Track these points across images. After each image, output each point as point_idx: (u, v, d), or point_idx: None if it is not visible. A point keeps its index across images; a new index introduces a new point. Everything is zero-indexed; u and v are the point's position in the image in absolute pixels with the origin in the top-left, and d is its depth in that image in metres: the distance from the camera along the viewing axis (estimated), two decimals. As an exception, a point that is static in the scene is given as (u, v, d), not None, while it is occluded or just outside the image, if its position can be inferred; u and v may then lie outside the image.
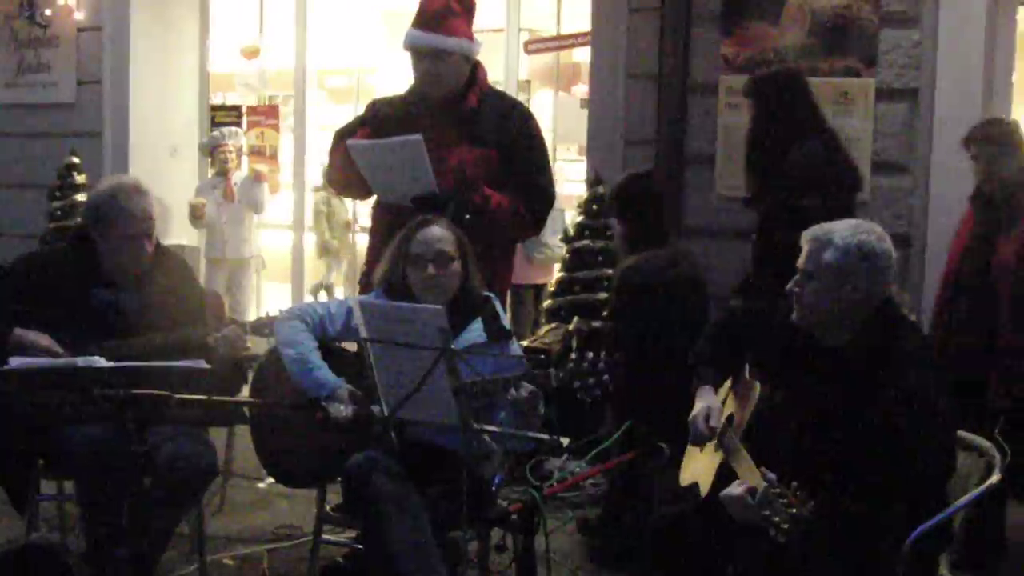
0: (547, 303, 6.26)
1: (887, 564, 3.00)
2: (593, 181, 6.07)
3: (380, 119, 4.23)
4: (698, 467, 3.45)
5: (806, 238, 3.15)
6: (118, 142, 7.85)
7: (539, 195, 4.27)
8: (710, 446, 3.36)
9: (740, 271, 5.99)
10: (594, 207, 6.03)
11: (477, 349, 3.48)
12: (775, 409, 3.19)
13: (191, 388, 3.27)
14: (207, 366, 3.41)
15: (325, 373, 3.61)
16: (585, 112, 7.07)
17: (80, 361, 3.43)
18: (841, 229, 3.11)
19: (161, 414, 3.09)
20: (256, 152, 7.97)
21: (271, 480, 5.44)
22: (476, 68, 4.26)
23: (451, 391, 2.93)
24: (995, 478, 3.20)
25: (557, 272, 6.19)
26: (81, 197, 7.44)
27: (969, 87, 5.71)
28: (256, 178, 7.58)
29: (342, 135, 4.34)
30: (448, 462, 3.59)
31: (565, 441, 2.83)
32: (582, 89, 8.83)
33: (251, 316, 7.63)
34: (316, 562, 3.87)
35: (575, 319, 5.95)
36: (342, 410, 3.37)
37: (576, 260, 6.05)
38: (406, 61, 4.28)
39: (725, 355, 3.49)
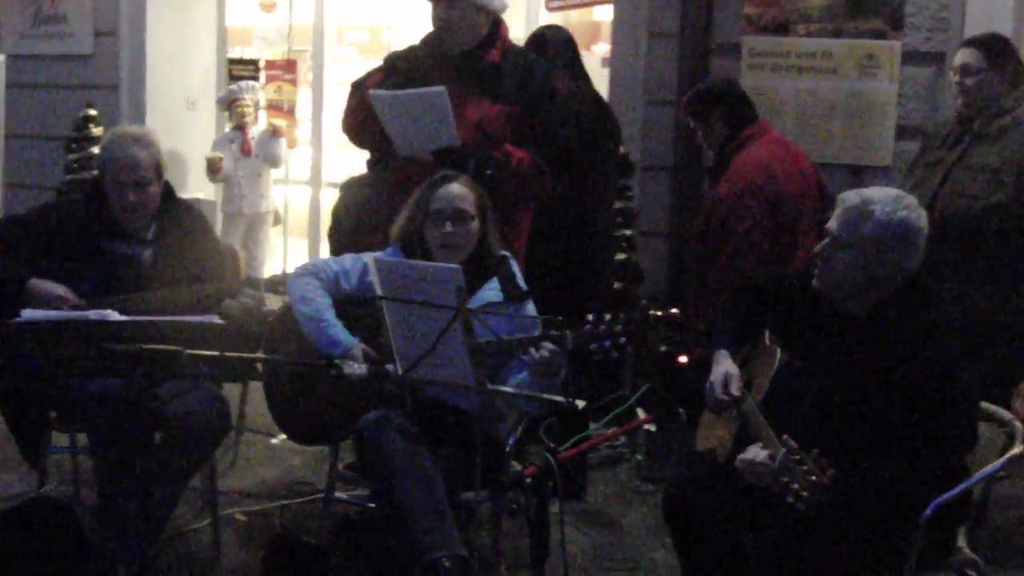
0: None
1: (905, 535, 2.97)
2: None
3: (398, 70, 4.17)
4: (715, 433, 3.41)
5: (842, 204, 3.08)
6: (135, 94, 7.79)
7: (560, 153, 4.21)
8: (727, 412, 3.32)
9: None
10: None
11: (493, 308, 3.45)
12: (795, 375, 3.14)
13: (205, 344, 3.23)
14: (221, 322, 3.38)
15: (339, 331, 3.58)
16: (605, 71, 6.99)
17: (92, 314, 3.41)
18: (882, 201, 3.03)
19: (172, 369, 3.05)
20: (274, 107, 7.90)
21: (284, 436, 5.47)
22: (499, 25, 4.20)
23: (467, 351, 2.89)
24: (1017, 449, 3.17)
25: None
26: (97, 149, 7.39)
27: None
28: (274, 133, 7.52)
29: (359, 85, 4.29)
30: (462, 422, 3.57)
31: (581, 404, 2.77)
32: (602, 48, 8.73)
33: (267, 271, 7.65)
34: (329, 519, 3.85)
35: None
36: (356, 368, 3.33)
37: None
38: (426, 17, 4.21)
39: (743, 320, 3.44)
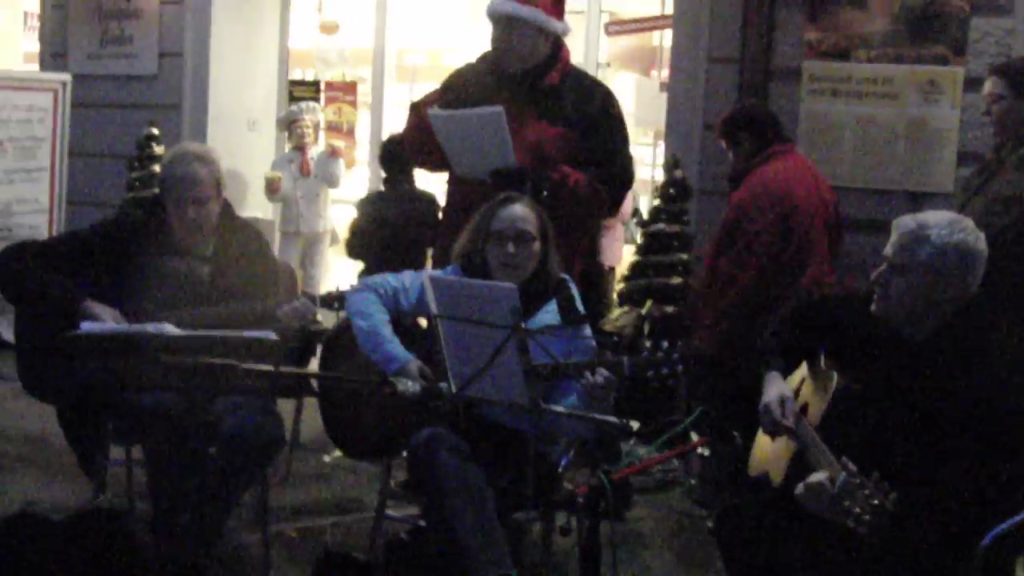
0: (620, 286, 6.18)
1: (963, 563, 2.92)
2: (671, 165, 5.97)
3: (455, 89, 4.19)
4: (768, 457, 3.37)
5: (898, 228, 3.05)
6: (197, 114, 7.89)
7: (618, 176, 4.21)
8: (781, 436, 3.28)
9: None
10: (671, 191, 5.93)
11: (548, 330, 3.44)
12: (853, 400, 3.10)
13: (260, 359, 3.26)
14: (275, 337, 3.40)
15: (396, 347, 3.59)
16: (663, 96, 6.99)
17: (151, 328, 3.45)
18: (938, 224, 3.00)
19: (228, 384, 3.08)
20: (333, 128, 7.98)
21: (337, 453, 5.50)
22: (560, 47, 4.21)
23: (521, 371, 2.88)
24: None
25: (632, 255, 6.10)
26: (159, 168, 7.49)
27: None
28: (332, 153, 7.59)
29: (419, 105, 4.32)
30: (514, 443, 3.56)
31: (635, 425, 2.76)
32: (662, 74, 8.73)
33: (324, 290, 7.69)
34: (379, 537, 3.85)
35: (648, 303, 5.88)
36: (410, 386, 3.35)
37: (651, 244, 5.96)
38: (485, 40, 4.24)
39: (796, 343, 3.40)
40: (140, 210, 5.94)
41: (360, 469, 5.31)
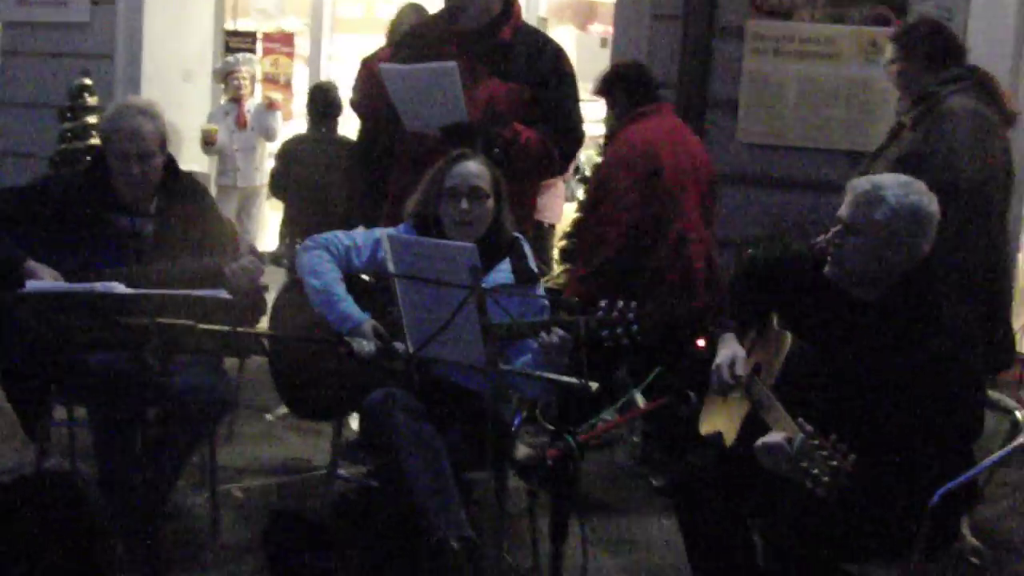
0: (562, 244, 6.19)
1: (912, 521, 2.98)
2: (615, 122, 5.95)
3: (407, 46, 4.14)
4: (720, 417, 3.40)
5: (853, 189, 3.08)
6: (130, 65, 7.70)
7: (569, 133, 4.20)
8: (733, 396, 3.31)
9: (760, 219, 5.97)
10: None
11: (505, 289, 3.43)
12: (807, 361, 3.13)
13: (211, 317, 3.21)
14: (228, 296, 3.36)
15: (350, 306, 3.56)
16: (604, 51, 6.97)
17: (99, 287, 3.38)
18: (892, 186, 3.04)
19: (182, 343, 3.03)
20: (270, 80, 7.86)
21: (280, 412, 5.48)
22: (512, 3, 4.17)
23: (480, 331, 2.87)
24: (1022, 438, 3.18)
25: (573, 212, 6.10)
26: (92, 119, 7.33)
27: (1001, 41, 5.63)
28: (270, 106, 7.47)
29: (369, 60, 4.26)
30: (468, 402, 3.56)
31: (594, 386, 2.77)
32: (598, 28, 8.71)
33: (260, 245, 7.60)
34: (328, 496, 3.84)
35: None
36: (366, 345, 3.32)
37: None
38: None
39: (749, 305, 3.43)
40: (79, 165, 5.82)
41: (304, 428, 5.29)
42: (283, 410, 5.51)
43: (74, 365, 3.68)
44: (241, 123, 7.42)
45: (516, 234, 3.72)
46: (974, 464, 3.10)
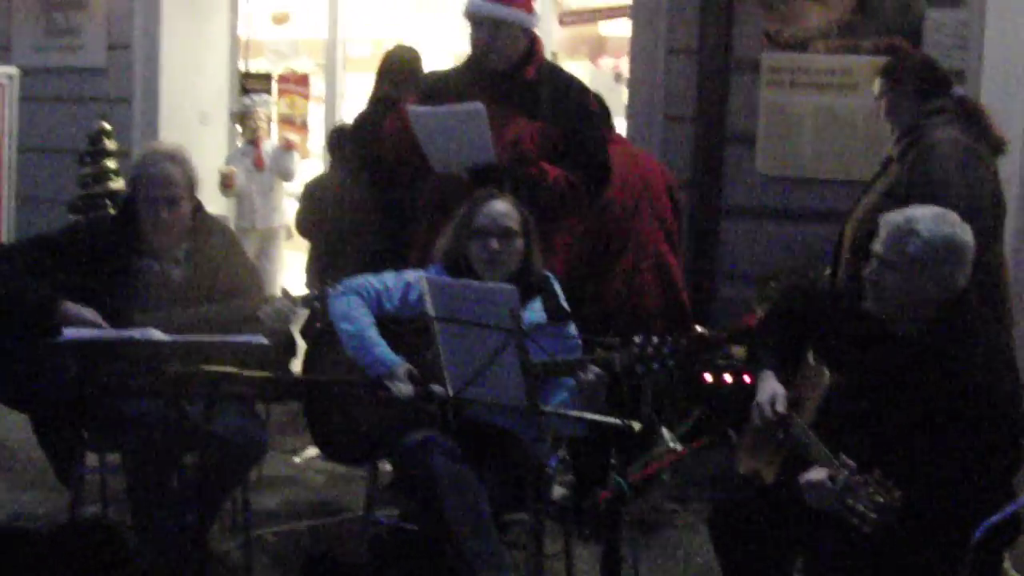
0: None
1: (955, 556, 2.97)
2: (633, 157, 5.97)
3: (435, 89, 4.17)
4: (759, 455, 3.40)
5: (887, 225, 3.09)
6: (148, 108, 7.75)
7: (596, 171, 4.21)
8: (772, 433, 3.30)
9: (779, 251, 5.98)
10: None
11: (541, 329, 3.44)
12: (845, 397, 3.14)
13: (245, 362, 3.22)
14: (266, 341, 3.36)
15: (384, 351, 3.56)
16: (618, 86, 7.01)
17: (137, 334, 3.39)
18: (925, 219, 3.05)
19: (226, 390, 3.04)
20: (286, 120, 7.90)
21: (307, 455, 5.48)
22: (534, 41, 4.20)
23: (521, 372, 2.88)
24: (1062, 471, 3.17)
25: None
26: (111, 163, 7.37)
27: (1015, 69, 5.65)
28: (287, 146, 7.48)
29: (397, 105, 4.29)
30: (502, 443, 3.56)
31: (637, 426, 2.77)
32: (608, 62, 8.73)
33: (277, 285, 7.61)
34: (361, 539, 3.82)
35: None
36: (404, 389, 3.32)
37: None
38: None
39: (787, 341, 3.43)
40: (102, 211, 5.84)
41: (332, 471, 5.28)
42: (310, 453, 5.52)
43: (108, 411, 3.69)
44: (259, 164, 7.43)
45: (546, 273, 3.73)
46: (1015, 497, 3.10)
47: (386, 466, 3.80)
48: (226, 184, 7.34)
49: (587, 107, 4.24)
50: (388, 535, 3.95)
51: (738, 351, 4.66)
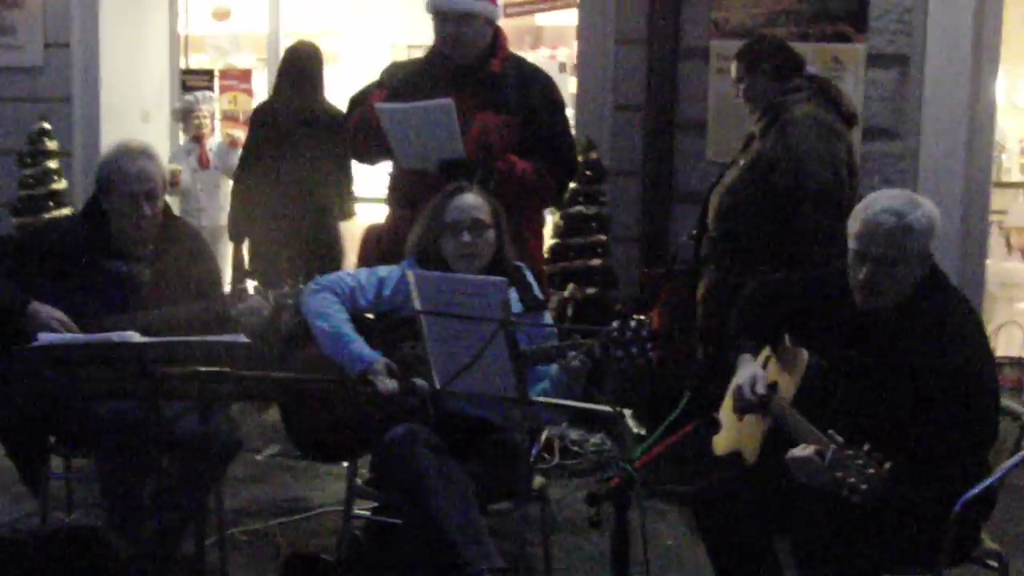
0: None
1: (935, 529, 3.04)
2: (586, 147, 6.00)
3: (398, 83, 4.16)
4: (736, 436, 3.44)
5: (876, 225, 3.08)
6: (88, 107, 7.59)
7: (564, 163, 4.23)
8: (751, 415, 3.35)
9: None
10: (587, 172, 5.98)
11: (519, 319, 3.45)
12: (826, 376, 3.19)
13: (232, 363, 3.20)
14: (247, 340, 3.34)
15: (361, 346, 3.55)
16: (563, 76, 7.04)
17: (115, 336, 3.34)
18: (907, 210, 3.07)
19: (220, 391, 3.02)
20: (229, 117, 7.81)
21: (269, 452, 5.45)
22: (498, 33, 4.21)
23: (510, 362, 2.89)
24: (1038, 443, 3.25)
25: (549, 238, 6.14)
26: (52, 164, 7.25)
27: (958, 53, 5.77)
28: (232, 144, 7.41)
29: (357, 100, 4.27)
30: (484, 433, 3.57)
31: (628, 412, 2.80)
32: (544, 52, 8.76)
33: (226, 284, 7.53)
34: (347, 536, 3.81)
35: (569, 286, 5.93)
36: (388, 384, 3.31)
37: (569, 226, 6.01)
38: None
39: (763, 324, 3.48)
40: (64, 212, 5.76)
41: (295, 468, 5.26)
42: (272, 450, 5.49)
43: (82, 415, 3.64)
44: (204, 162, 7.35)
45: (519, 263, 3.74)
46: (991, 471, 3.17)
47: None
48: (171, 183, 7.24)
49: (553, 99, 4.26)
50: (364, 530, 3.96)
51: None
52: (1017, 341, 6.26)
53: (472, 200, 3.69)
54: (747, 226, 4.56)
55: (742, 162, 4.67)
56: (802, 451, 2.92)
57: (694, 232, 4.94)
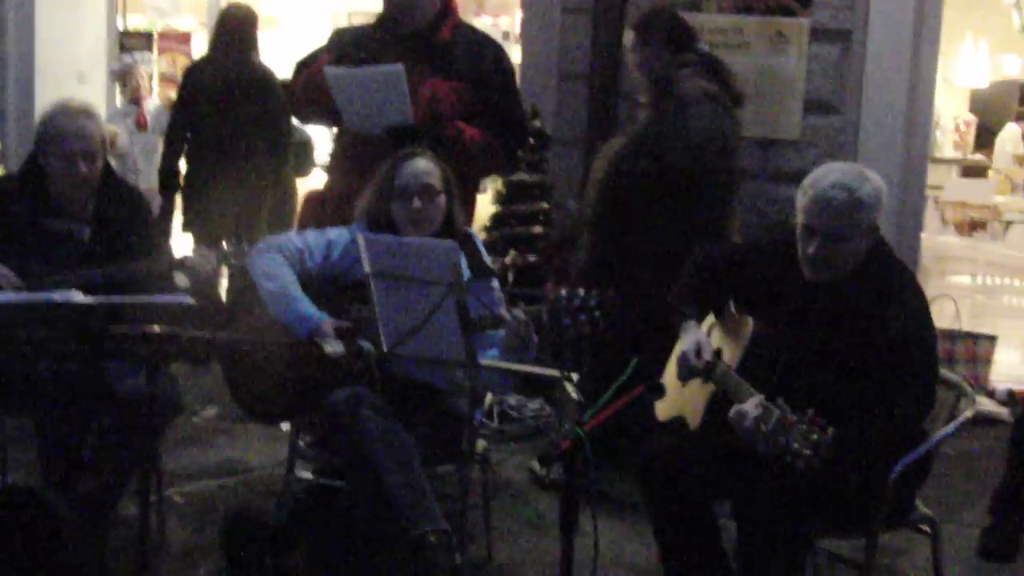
0: (482, 236, 6.21)
1: (871, 494, 3.10)
2: (530, 114, 5.99)
3: (346, 49, 4.13)
4: (679, 402, 3.47)
5: (827, 202, 3.08)
6: (23, 68, 7.45)
7: (514, 129, 4.23)
8: (693, 381, 3.38)
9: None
10: (530, 140, 5.97)
11: (470, 285, 3.45)
12: (766, 343, 3.22)
13: (177, 323, 3.17)
14: (192, 301, 3.31)
15: (308, 307, 3.54)
16: (508, 43, 7.02)
17: (57, 296, 3.30)
18: (857, 184, 3.08)
19: (167, 351, 2.99)
20: (167, 79, 7.71)
21: (206, 414, 5.41)
22: (449, 1, 4.18)
23: (459, 326, 2.89)
24: (969, 412, 3.32)
25: (492, 206, 6.14)
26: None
27: (899, 29, 5.84)
28: (169, 106, 7.32)
29: (304, 64, 4.24)
30: (429, 397, 3.57)
31: (575, 376, 2.82)
32: (486, 20, 8.75)
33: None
34: (290, 497, 3.81)
35: (511, 253, 5.92)
36: (336, 345, 3.30)
37: (512, 194, 6.01)
38: None
39: (707, 292, 3.51)
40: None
41: (232, 430, 5.24)
42: (210, 412, 5.45)
43: (19, 375, 3.59)
44: (142, 124, 7.27)
45: (468, 230, 3.74)
46: (928, 437, 3.24)
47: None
48: (108, 144, 7.13)
49: (503, 66, 4.25)
50: (306, 492, 3.94)
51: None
52: (949, 313, 6.36)
53: (424, 166, 3.68)
54: (634, 199, 4.53)
55: (629, 132, 4.70)
56: (749, 406, 2.93)
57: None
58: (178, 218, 6.46)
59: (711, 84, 4.53)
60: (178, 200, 6.40)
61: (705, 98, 4.46)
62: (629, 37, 4.74)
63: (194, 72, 6.31)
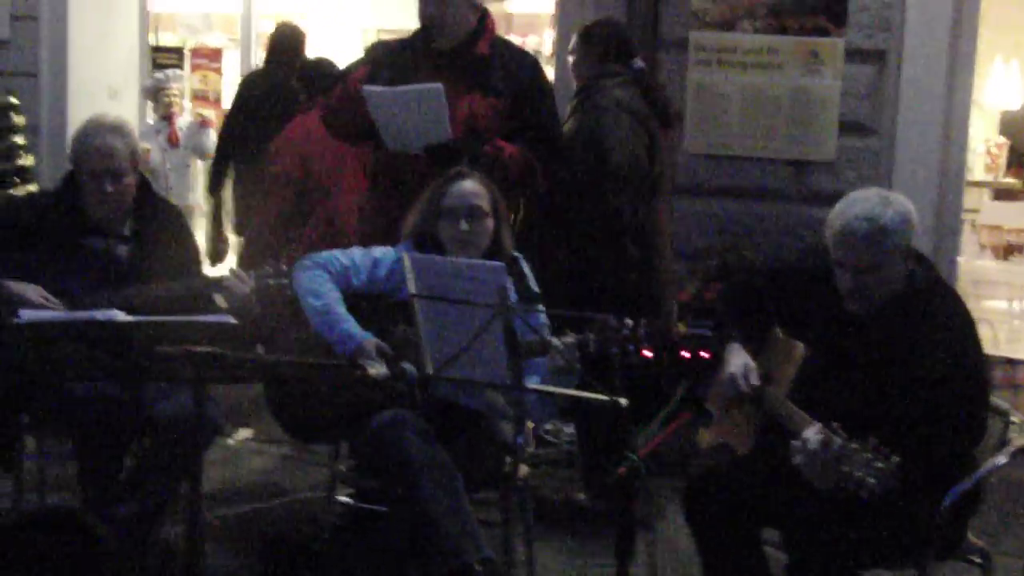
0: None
1: (924, 525, 3.04)
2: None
3: (383, 64, 4.11)
4: (727, 428, 3.43)
5: (851, 233, 3.05)
6: (56, 82, 7.48)
7: (551, 146, 4.20)
8: (740, 406, 3.34)
9: (707, 229, 6.06)
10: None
11: (525, 308, 3.42)
12: (818, 370, 3.18)
13: (219, 343, 3.14)
14: (234, 321, 3.28)
15: (352, 326, 3.51)
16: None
17: (99, 315, 3.28)
18: (880, 213, 3.04)
19: (211, 371, 2.96)
20: (199, 96, 7.72)
21: (240, 436, 5.39)
22: (485, 16, 4.16)
23: (505, 349, 2.85)
24: (1021, 441, 3.27)
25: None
26: (19, 139, 7.14)
27: (935, 50, 5.79)
28: (202, 123, 7.34)
29: (340, 78, 4.23)
30: (470, 422, 3.53)
31: (624, 402, 2.78)
32: (514, 40, 8.73)
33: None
34: (333, 520, 3.77)
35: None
36: (380, 368, 3.27)
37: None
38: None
39: (751, 316, 3.46)
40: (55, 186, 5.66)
41: (267, 452, 5.21)
42: (243, 434, 5.43)
43: (58, 394, 3.57)
44: (173, 141, 7.27)
45: (516, 253, 3.71)
46: (978, 466, 3.19)
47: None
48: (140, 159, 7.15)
49: (540, 83, 4.22)
50: (344, 516, 3.91)
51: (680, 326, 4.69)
52: (986, 338, 6.28)
53: (471, 187, 3.65)
54: (556, 203, 4.57)
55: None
56: (811, 435, 2.88)
57: None
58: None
59: (633, 98, 4.61)
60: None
61: (617, 108, 4.53)
62: (573, 41, 4.87)
63: (248, 84, 6.50)
